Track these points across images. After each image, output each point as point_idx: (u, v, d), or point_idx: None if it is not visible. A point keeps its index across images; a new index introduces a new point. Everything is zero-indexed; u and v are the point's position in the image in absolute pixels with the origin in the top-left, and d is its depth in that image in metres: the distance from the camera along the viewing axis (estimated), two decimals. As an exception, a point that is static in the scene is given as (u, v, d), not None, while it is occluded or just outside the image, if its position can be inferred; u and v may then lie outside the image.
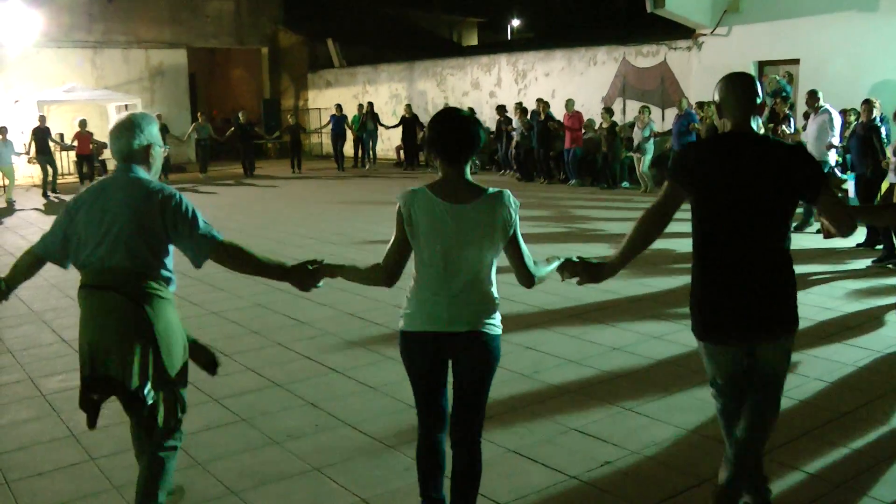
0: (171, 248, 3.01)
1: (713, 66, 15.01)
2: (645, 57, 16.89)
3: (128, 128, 3.00)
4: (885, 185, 8.05)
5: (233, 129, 20.21)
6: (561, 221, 11.48)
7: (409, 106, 20.40)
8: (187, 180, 18.43)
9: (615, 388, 4.77)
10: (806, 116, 11.27)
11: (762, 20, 14.43)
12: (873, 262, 8.08)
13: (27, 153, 16.69)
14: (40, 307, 7.16)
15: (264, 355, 5.59)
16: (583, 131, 15.91)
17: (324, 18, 26.28)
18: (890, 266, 7.89)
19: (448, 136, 2.81)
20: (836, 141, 9.94)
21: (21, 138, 17.42)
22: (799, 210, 8.16)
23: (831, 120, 9.89)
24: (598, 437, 4.06)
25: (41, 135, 16.58)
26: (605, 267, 3.06)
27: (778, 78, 13.61)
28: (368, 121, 20.64)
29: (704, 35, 15.48)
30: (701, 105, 13.79)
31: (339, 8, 27.18)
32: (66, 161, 19.90)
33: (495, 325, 2.89)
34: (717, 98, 2.95)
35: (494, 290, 2.90)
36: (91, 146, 17.37)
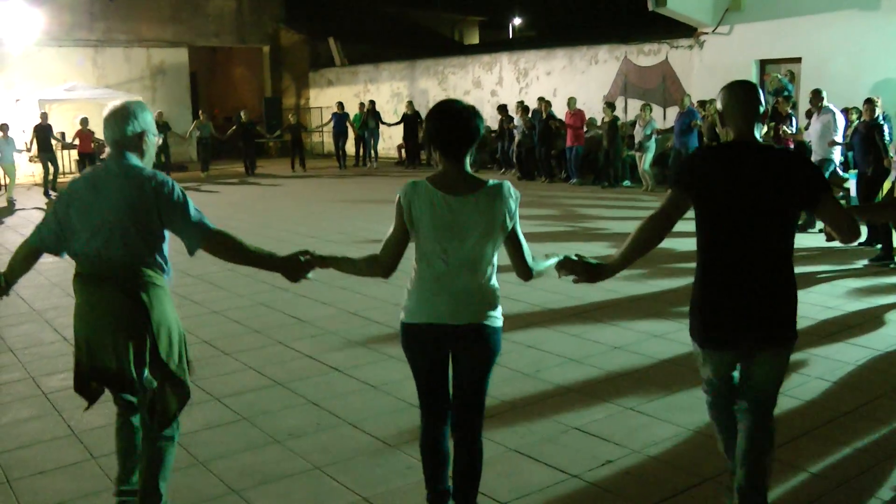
0: (167, 234, 3.01)
1: (715, 65, 15.03)
2: (646, 56, 16.87)
3: (122, 114, 2.99)
4: (886, 185, 8.03)
5: (234, 127, 20.22)
6: (562, 220, 11.47)
7: (410, 102, 20.36)
8: (189, 179, 18.42)
9: (616, 387, 4.77)
10: (808, 115, 11.27)
11: (764, 19, 14.42)
12: (870, 261, 8.07)
13: (28, 150, 16.70)
14: (41, 306, 7.16)
15: (265, 354, 5.59)
16: (584, 129, 15.90)
17: (325, 17, 26.26)
18: (892, 266, 7.88)
19: (447, 130, 2.78)
20: (839, 139, 9.93)
21: (23, 137, 17.42)
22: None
23: (835, 120, 9.88)
24: (599, 435, 4.06)
25: (43, 132, 16.59)
26: (603, 268, 3.05)
27: (780, 76, 13.59)
28: (370, 119, 20.64)
29: (706, 34, 15.47)
30: (702, 104, 13.78)
31: (341, 6, 27.16)
32: (67, 159, 19.90)
33: (496, 317, 2.88)
34: (719, 107, 2.94)
35: (495, 282, 2.89)
36: (92, 144, 17.35)
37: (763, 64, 14.81)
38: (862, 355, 5.24)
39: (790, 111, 11.73)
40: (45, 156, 16.53)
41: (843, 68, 13.10)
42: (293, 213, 13.10)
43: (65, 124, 19.03)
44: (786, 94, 12.92)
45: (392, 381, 4.86)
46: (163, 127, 19.01)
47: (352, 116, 20.90)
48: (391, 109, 22.51)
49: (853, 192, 10.18)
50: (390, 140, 22.30)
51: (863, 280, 7.42)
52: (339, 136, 20.90)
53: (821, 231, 8.97)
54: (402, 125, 20.18)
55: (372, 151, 21.01)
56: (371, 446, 4.01)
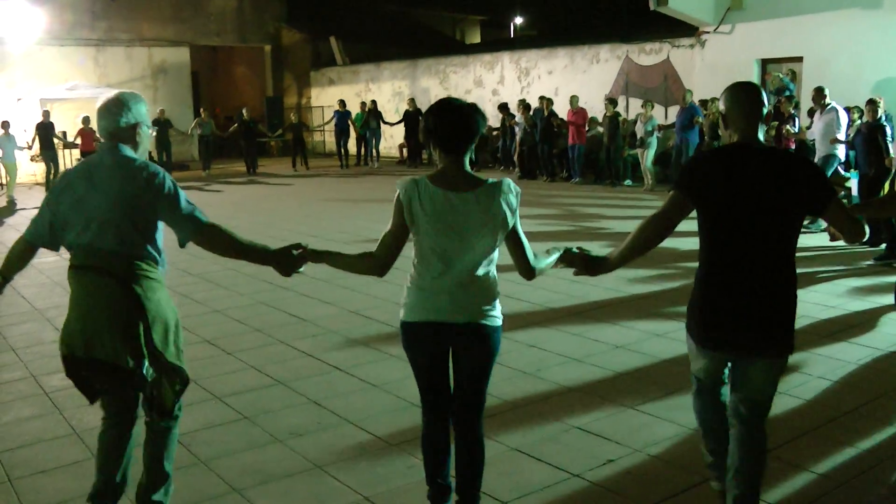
0: (161, 225, 2.99)
1: (716, 64, 15.03)
2: (648, 55, 16.87)
3: (115, 105, 2.97)
4: (887, 185, 8.02)
5: (236, 125, 20.23)
6: (564, 219, 11.46)
7: (412, 100, 20.30)
8: (190, 178, 18.41)
9: (618, 387, 4.77)
10: (810, 114, 11.25)
11: (765, 18, 14.41)
12: (874, 259, 8.07)
13: (30, 148, 16.71)
14: (43, 305, 7.16)
15: (266, 353, 5.59)
16: (586, 128, 15.89)
17: (326, 16, 26.27)
18: (895, 265, 7.88)
19: (446, 127, 2.77)
20: (841, 136, 9.92)
21: (24, 136, 17.43)
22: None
23: (838, 118, 9.87)
24: (600, 435, 4.06)
25: (45, 130, 16.60)
26: (602, 262, 3.08)
27: (781, 76, 13.58)
28: (371, 119, 20.63)
29: (707, 33, 15.46)
30: (704, 103, 13.77)
31: (342, 6, 27.16)
32: (69, 158, 19.91)
33: (496, 315, 2.87)
34: (722, 109, 2.94)
35: (495, 280, 2.88)
36: (94, 143, 17.36)
37: (764, 63, 14.80)
38: (863, 354, 5.23)
39: (793, 111, 11.72)
40: (47, 154, 16.54)
41: (845, 67, 13.08)
42: (295, 213, 13.10)
43: (66, 123, 19.03)
44: (787, 93, 12.91)
45: (393, 380, 4.86)
46: (164, 124, 19.03)
47: (353, 115, 20.91)
48: (392, 108, 22.50)
49: (854, 192, 10.16)
50: (392, 139, 22.30)
51: (865, 279, 7.41)
52: (342, 134, 20.88)
53: (823, 230, 8.96)
54: (403, 124, 20.14)
55: (374, 151, 21.00)
56: (372, 445, 4.01)
